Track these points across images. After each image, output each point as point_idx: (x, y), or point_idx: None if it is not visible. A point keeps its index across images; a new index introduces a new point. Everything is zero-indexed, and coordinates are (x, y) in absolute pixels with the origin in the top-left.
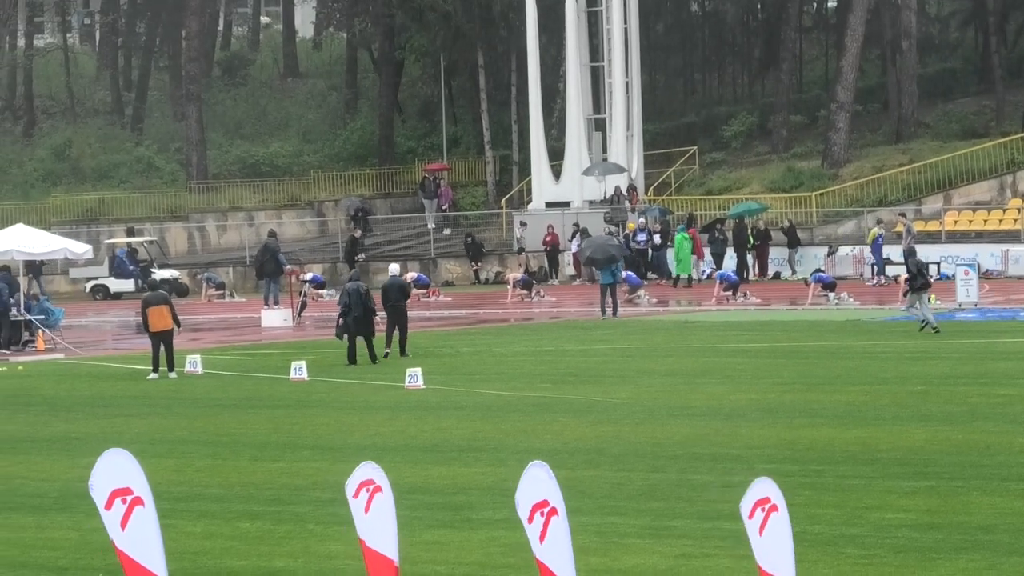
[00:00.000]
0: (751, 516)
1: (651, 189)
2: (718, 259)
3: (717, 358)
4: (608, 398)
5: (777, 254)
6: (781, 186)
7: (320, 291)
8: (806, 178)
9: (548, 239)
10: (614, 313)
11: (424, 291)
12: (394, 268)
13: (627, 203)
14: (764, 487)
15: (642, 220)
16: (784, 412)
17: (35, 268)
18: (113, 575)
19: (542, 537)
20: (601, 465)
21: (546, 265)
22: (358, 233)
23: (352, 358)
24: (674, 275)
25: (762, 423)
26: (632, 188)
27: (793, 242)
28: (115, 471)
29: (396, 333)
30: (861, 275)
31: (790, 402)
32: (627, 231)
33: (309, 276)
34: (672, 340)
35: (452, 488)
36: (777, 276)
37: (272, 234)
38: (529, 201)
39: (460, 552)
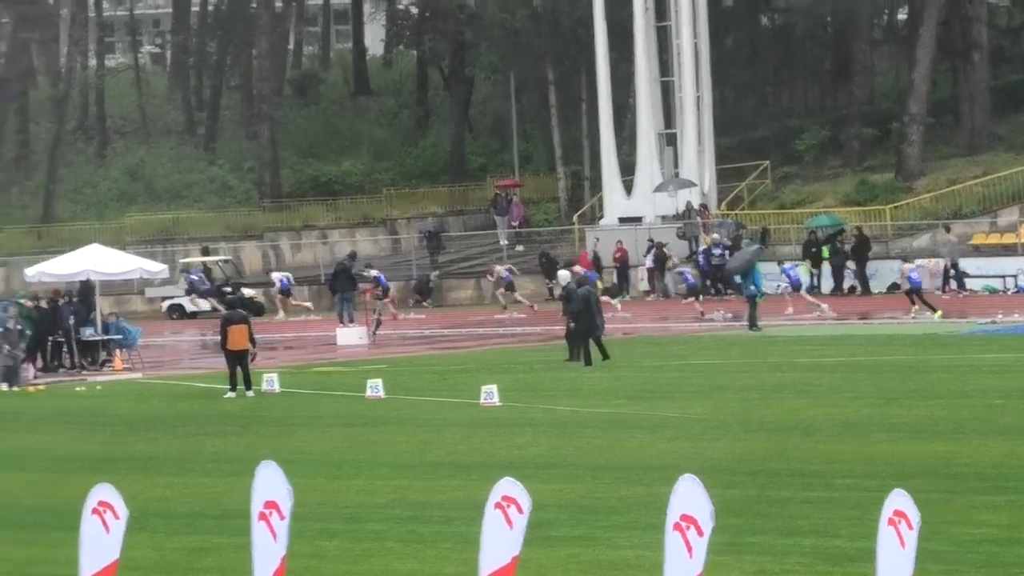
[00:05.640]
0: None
1: (723, 203)
2: (837, 272)
3: (793, 373)
4: (684, 414)
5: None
6: (855, 199)
7: (385, 298)
8: (880, 191)
9: (618, 255)
10: (755, 327)
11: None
12: (564, 275)
13: (698, 218)
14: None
15: (716, 235)
16: (862, 427)
17: (89, 288)
18: None
19: None
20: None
21: (616, 280)
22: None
23: (588, 359)
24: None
25: (840, 438)
26: (703, 205)
27: (863, 257)
28: (267, 485)
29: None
30: (937, 288)
31: (867, 416)
32: (704, 246)
33: (373, 273)
34: (748, 355)
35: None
36: (852, 290)
37: (352, 256)
38: (601, 217)
39: (539, 570)
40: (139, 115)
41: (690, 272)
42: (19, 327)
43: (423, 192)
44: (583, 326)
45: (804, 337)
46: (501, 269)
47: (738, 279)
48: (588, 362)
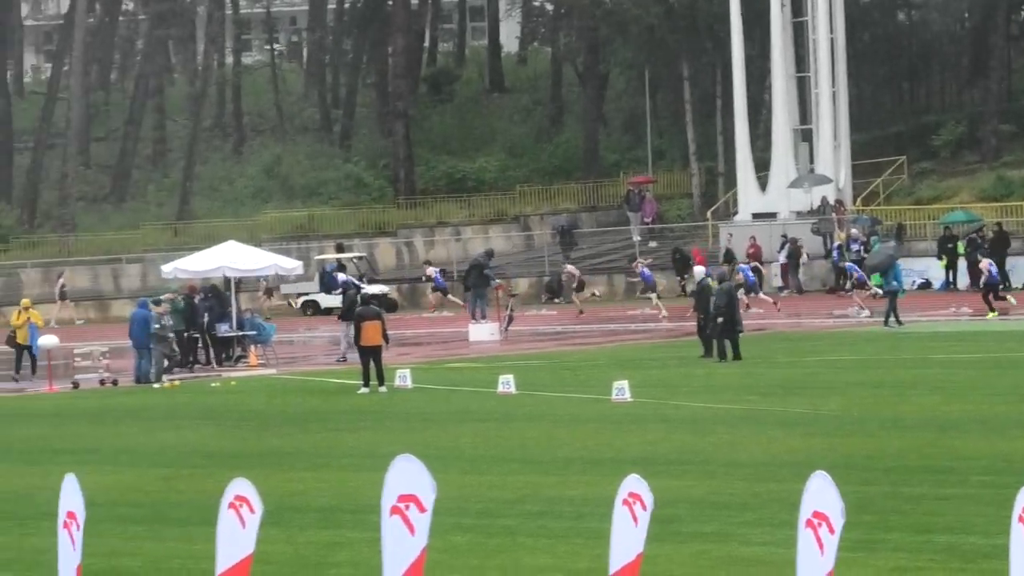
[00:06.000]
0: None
1: (859, 199)
2: (975, 268)
3: (928, 369)
4: (817, 410)
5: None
6: (992, 195)
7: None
8: (1016, 187)
9: (751, 251)
10: (897, 321)
11: None
12: (699, 271)
13: (833, 214)
14: None
15: (855, 231)
16: (998, 423)
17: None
18: None
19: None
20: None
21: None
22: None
23: (723, 354)
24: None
25: (976, 434)
26: (839, 201)
27: (1001, 253)
28: (403, 478)
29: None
30: None
31: (1004, 413)
32: (838, 242)
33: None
34: (882, 351)
35: (660, 501)
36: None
37: (489, 254)
38: (735, 212)
39: (670, 565)
40: (275, 112)
41: (749, 269)
42: (171, 322)
43: (556, 188)
44: (726, 321)
45: (940, 333)
46: (572, 268)
47: (877, 276)
48: (723, 356)
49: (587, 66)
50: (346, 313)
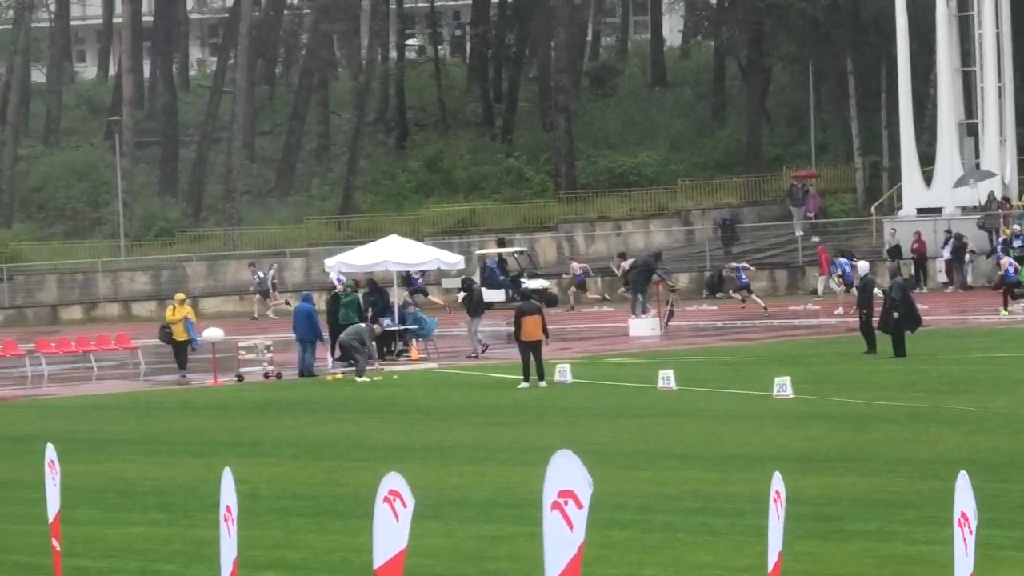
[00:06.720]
0: None
1: None
2: None
3: None
4: (983, 407)
5: None
6: None
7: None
8: None
9: (915, 246)
10: None
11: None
12: (863, 266)
13: (999, 210)
14: None
15: (1016, 227)
16: None
17: (408, 279)
18: None
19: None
20: (976, 476)
21: (913, 272)
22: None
23: (899, 351)
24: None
25: None
26: (1005, 196)
27: None
28: (562, 473)
29: None
30: None
31: None
32: (1003, 238)
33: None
34: None
35: (823, 499)
36: None
37: (657, 256)
38: (899, 208)
39: (832, 564)
40: (438, 107)
41: (743, 269)
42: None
43: (718, 183)
44: (903, 316)
45: None
46: (576, 266)
47: None
48: (899, 352)
49: (750, 60)
50: (474, 309)
